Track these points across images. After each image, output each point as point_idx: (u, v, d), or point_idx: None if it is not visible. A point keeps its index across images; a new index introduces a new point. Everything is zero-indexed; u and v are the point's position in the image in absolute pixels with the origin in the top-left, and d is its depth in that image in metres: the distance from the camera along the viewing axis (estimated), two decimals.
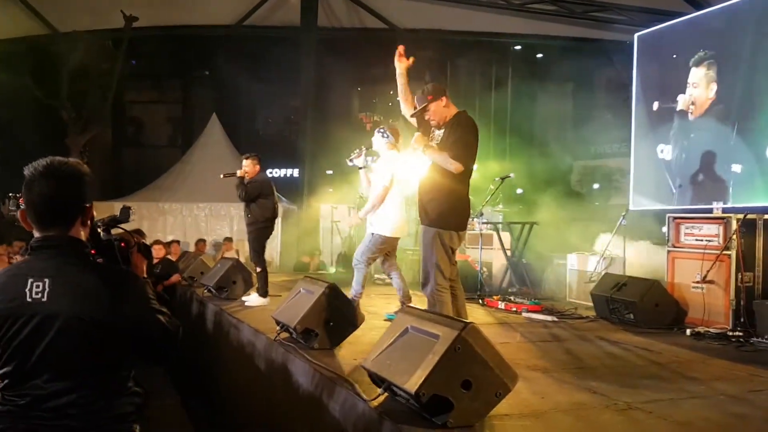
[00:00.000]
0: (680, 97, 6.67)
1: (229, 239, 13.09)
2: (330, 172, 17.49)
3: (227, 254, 11.78)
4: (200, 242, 12.67)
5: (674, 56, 7.21)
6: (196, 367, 6.44)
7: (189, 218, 14.21)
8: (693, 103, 6.62)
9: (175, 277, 8.67)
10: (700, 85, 6.64)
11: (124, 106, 19.41)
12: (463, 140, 4.30)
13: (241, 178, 6.87)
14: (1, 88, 12.46)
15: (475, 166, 4.56)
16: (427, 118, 4.49)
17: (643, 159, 7.45)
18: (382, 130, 5.81)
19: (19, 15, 12.85)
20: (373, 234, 5.61)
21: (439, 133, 4.47)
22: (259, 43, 15.31)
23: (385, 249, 5.75)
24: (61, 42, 13.22)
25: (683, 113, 6.88)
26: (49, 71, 13.71)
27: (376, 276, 9.92)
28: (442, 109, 4.43)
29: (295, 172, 16.20)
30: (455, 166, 4.23)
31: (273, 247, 13.71)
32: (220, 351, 6.00)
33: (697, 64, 6.58)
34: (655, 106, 6.99)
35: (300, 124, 15.40)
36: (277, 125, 19.99)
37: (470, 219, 7.74)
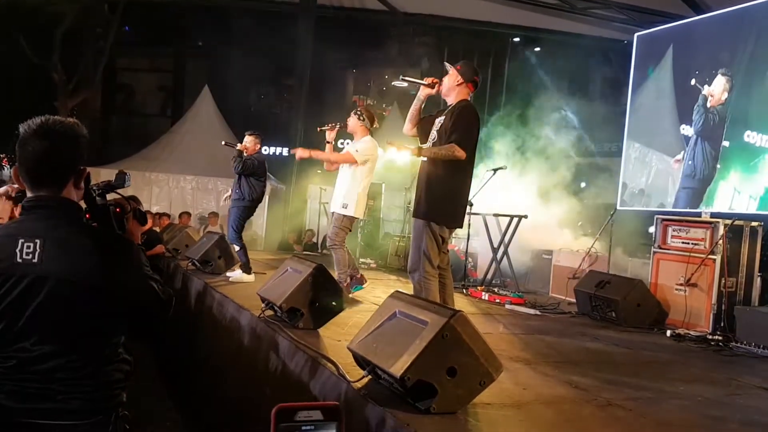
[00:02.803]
0: (706, 87, 7.23)
1: (214, 214, 13.01)
2: None
3: (211, 229, 11.72)
4: (184, 215, 12.57)
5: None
6: (175, 339, 6.41)
7: (175, 190, 14.11)
8: (712, 95, 7.15)
9: (159, 248, 8.60)
10: (718, 90, 7.08)
11: (115, 72, 19.17)
12: (467, 127, 4.27)
13: (240, 151, 6.83)
14: None
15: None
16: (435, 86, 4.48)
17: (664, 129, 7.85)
18: (358, 113, 6.00)
19: None
20: (344, 216, 5.82)
21: (439, 120, 4.44)
22: (256, 18, 15.12)
23: (351, 228, 6.09)
24: (57, 3, 12.96)
25: (705, 98, 7.24)
26: (43, 32, 13.46)
27: (361, 260, 9.92)
28: (453, 84, 4.39)
29: (285, 151, 16.10)
30: (460, 153, 4.18)
31: (258, 225, 13.66)
32: (203, 325, 5.97)
33: (723, 74, 7.04)
34: (693, 81, 7.42)
35: (293, 103, 15.27)
36: (270, 102, 19.84)
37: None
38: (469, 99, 4.43)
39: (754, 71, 6.69)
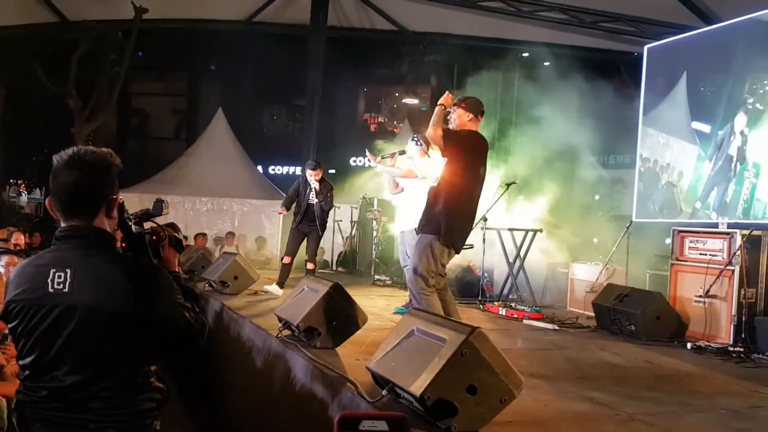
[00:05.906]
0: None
1: (231, 234, 13.10)
2: (333, 171, 17.41)
3: (227, 249, 11.79)
4: (199, 236, 12.64)
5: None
6: (194, 361, 6.42)
7: (191, 212, 14.20)
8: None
9: None
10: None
11: (129, 97, 19.42)
12: (461, 137, 4.52)
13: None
14: (9, 75, 12.39)
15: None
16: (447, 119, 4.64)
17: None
18: (416, 139, 6.40)
19: (29, 2, 12.81)
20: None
21: None
22: (267, 40, 15.29)
23: None
24: (71, 31, 13.20)
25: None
26: (58, 60, 13.70)
27: (376, 277, 9.92)
28: (465, 120, 4.63)
29: (298, 170, 16.19)
30: (438, 132, 4.41)
31: (273, 244, 13.71)
32: (221, 346, 5.99)
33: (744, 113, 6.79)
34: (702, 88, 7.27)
35: (305, 123, 15.38)
36: (282, 122, 20.01)
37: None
38: (477, 130, 4.68)
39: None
